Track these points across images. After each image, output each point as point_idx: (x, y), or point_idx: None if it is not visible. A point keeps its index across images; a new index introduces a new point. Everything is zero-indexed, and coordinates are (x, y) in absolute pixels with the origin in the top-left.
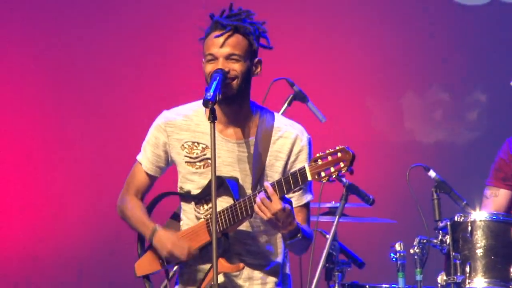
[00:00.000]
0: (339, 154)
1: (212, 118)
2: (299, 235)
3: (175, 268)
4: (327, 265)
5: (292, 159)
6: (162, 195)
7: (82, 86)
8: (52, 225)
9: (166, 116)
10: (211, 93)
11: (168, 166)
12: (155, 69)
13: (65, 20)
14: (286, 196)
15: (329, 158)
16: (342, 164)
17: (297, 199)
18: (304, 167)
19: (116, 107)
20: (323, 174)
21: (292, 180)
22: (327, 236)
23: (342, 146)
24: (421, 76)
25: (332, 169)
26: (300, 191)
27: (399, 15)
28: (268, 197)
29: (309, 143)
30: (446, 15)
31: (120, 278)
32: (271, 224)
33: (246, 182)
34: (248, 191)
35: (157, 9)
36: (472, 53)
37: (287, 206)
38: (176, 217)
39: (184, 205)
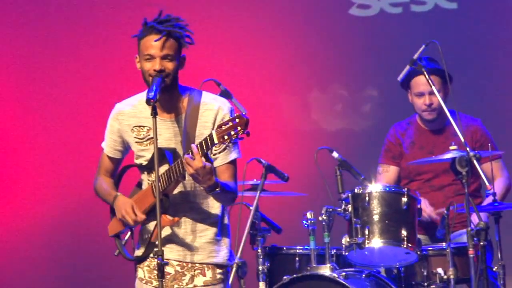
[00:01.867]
0: (237, 120)
1: (154, 113)
2: (217, 189)
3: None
4: (251, 231)
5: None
6: (124, 168)
7: (48, 80)
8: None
9: (117, 107)
10: (152, 93)
11: (127, 148)
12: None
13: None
14: (213, 157)
15: (230, 124)
16: (239, 128)
17: (222, 158)
18: (212, 133)
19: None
20: (226, 137)
21: (204, 144)
22: (251, 208)
23: (239, 114)
24: (324, 76)
25: (232, 133)
26: (225, 151)
27: (307, 25)
28: (194, 157)
29: (230, 111)
30: (343, 24)
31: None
32: (193, 179)
33: (181, 151)
34: None
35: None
36: (364, 55)
37: (208, 164)
38: (139, 185)
39: (141, 175)
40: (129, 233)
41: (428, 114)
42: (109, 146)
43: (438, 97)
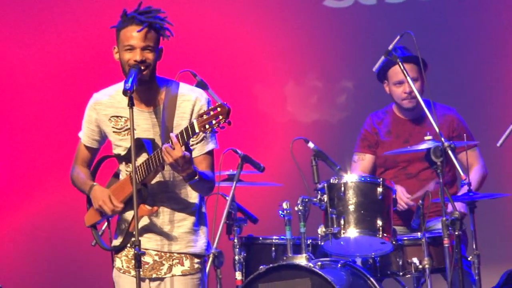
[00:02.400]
0: (218, 109)
1: (131, 104)
2: (196, 177)
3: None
4: (227, 221)
5: (194, 116)
6: (102, 159)
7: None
8: None
9: (95, 97)
10: (129, 84)
11: (104, 138)
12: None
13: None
14: (192, 147)
15: (211, 113)
16: (221, 117)
17: (199, 148)
18: (193, 122)
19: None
20: (207, 126)
21: (185, 133)
22: (227, 198)
23: (220, 103)
24: (300, 68)
25: (214, 122)
26: (202, 142)
27: (282, 17)
28: (173, 147)
29: (207, 102)
30: (317, 16)
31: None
32: (172, 168)
33: (160, 141)
34: None
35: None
36: (339, 47)
37: (187, 153)
38: (117, 175)
39: (119, 165)
40: (106, 223)
41: (408, 102)
42: (86, 136)
43: (413, 86)
